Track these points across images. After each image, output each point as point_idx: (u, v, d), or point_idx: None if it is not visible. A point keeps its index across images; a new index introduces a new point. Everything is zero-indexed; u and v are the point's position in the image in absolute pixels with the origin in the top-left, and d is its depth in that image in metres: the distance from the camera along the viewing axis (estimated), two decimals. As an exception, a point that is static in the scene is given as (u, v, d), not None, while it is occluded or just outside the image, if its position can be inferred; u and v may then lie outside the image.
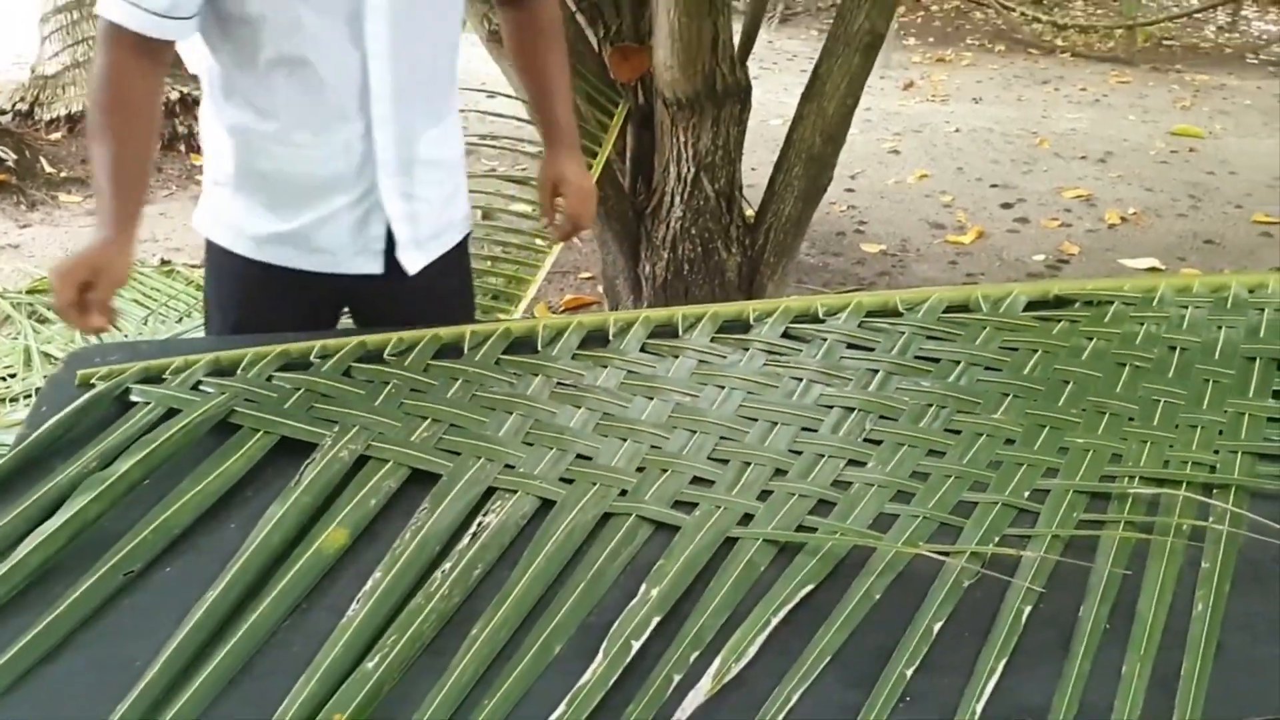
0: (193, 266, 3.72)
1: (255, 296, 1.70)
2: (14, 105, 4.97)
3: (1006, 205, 4.93)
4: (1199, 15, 10.68)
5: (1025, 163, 5.60)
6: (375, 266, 1.66)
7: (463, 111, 3.09)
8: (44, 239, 4.01)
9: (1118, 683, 1.00)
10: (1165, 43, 9.59)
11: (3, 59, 6.65)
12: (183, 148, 4.82)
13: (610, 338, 1.53)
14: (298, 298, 1.70)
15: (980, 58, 8.71)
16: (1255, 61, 8.95)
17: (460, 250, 1.79)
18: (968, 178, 5.34)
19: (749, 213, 3.20)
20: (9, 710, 0.94)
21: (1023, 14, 10.17)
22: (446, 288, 1.78)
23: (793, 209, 3.07)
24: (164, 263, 3.76)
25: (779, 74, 7.41)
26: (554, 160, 1.82)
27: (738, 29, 3.10)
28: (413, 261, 1.66)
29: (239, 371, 1.41)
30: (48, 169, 4.58)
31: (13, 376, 2.81)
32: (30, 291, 3.40)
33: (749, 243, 3.11)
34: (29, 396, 2.68)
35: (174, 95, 4.83)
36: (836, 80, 2.94)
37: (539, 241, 2.89)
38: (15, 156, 4.45)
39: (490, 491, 1.22)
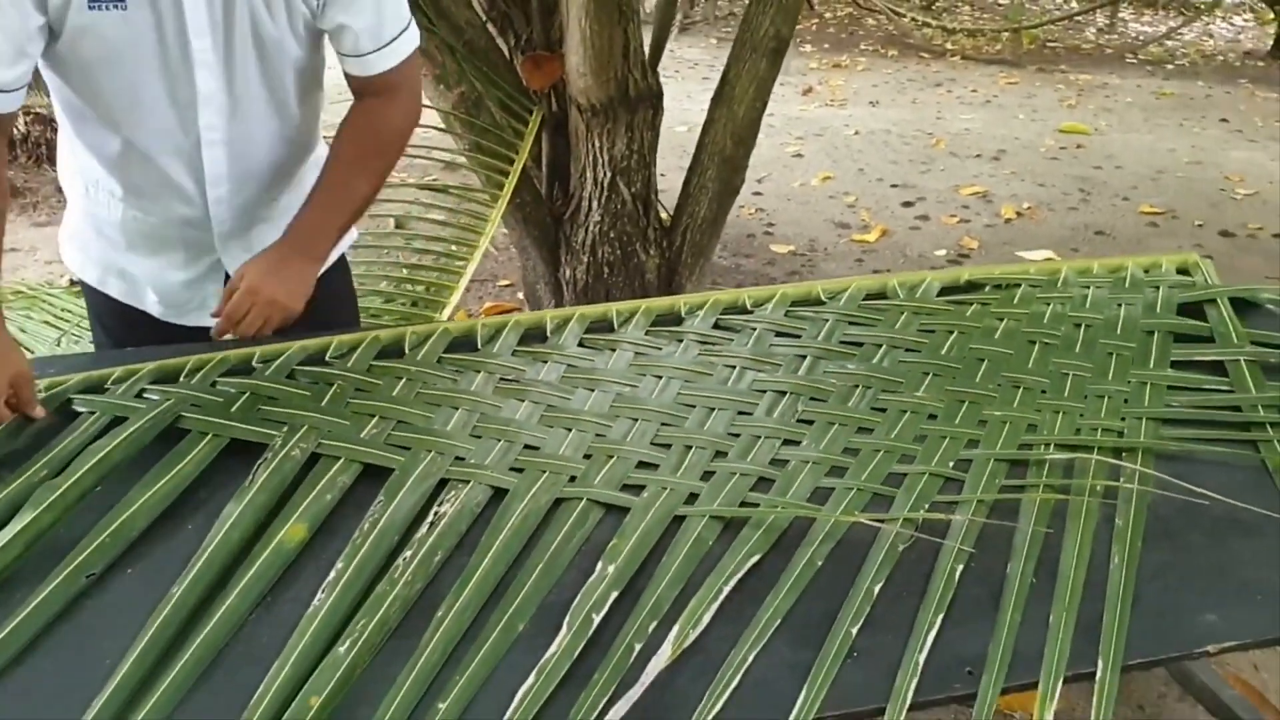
0: (103, 285, 3.66)
1: (110, 325, 1.69)
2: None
3: (907, 204, 5.08)
4: (1080, 18, 11.10)
5: (923, 163, 5.77)
6: (209, 321, 1.58)
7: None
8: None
9: (1045, 632, 1.07)
10: (1049, 45, 9.94)
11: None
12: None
13: (548, 334, 1.57)
14: (156, 331, 1.65)
15: (875, 62, 8.93)
16: (1134, 61, 9.34)
17: (333, 272, 1.72)
18: (869, 178, 5.49)
19: (665, 215, 3.27)
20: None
21: (913, 19, 10.47)
22: (324, 313, 1.63)
23: (707, 210, 3.14)
24: (73, 284, 3.68)
25: (681, 81, 7.51)
26: (260, 255, 1.54)
27: (648, 37, 3.16)
28: None
29: (182, 378, 1.42)
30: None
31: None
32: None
33: (666, 244, 3.17)
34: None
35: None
36: (745, 84, 3.03)
37: (455, 248, 2.92)
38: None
39: (443, 483, 1.26)
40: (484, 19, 3.13)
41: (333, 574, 1.11)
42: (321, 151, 1.66)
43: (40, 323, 3.04)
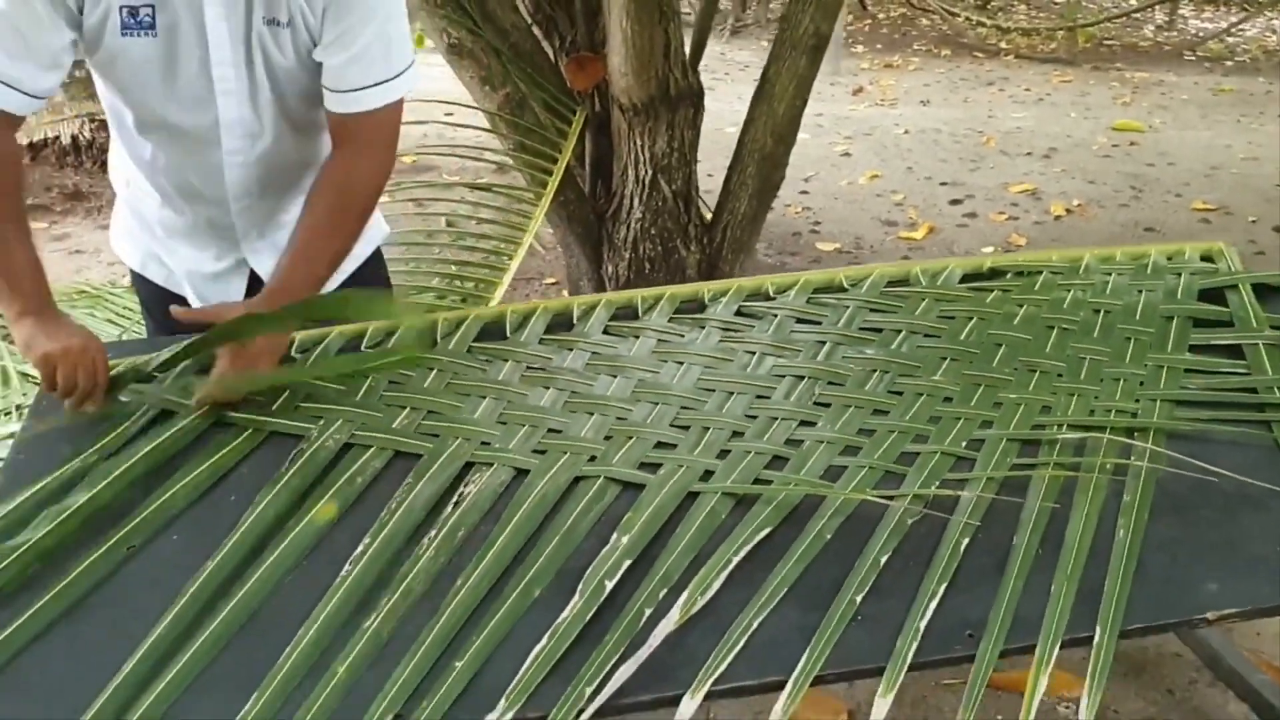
0: (162, 286, 3.79)
1: (154, 310, 1.78)
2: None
3: (955, 201, 5.07)
4: (1137, 16, 10.95)
5: (972, 161, 5.75)
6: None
7: (422, 124, 3.19)
8: (12, 266, 4.07)
9: (1047, 599, 1.10)
10: (1106, 43, 9.83)
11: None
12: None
13: (574, 321, 1.62)
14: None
15: (927, 62, 8.90)
16: (1192, 58, 9.20)
17: (367, 268, 1.81)
18: (917, 177, 5.48)
19: (706, 212, 3.31)
20: (33, 662, 1.02)
21: (967, 19, 10.40)
22: None
23: (748, 206, 3.18)
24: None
25: (732, 84, 7.54)
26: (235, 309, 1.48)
27: (690, 37, 3.21)
28: None
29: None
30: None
31: (-10, 396, 2.86)
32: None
33: (707, 240, 3.22)
34: (8, 413, 2.73)
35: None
36: (785, 82, 3.06)
37: (501, 245, 2.99)
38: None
39: (468, 466, 1.31)
40: (529, 22, 3.20)
41: (360, 548, 1.16)
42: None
43: (103, 320, 3.16)
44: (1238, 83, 7.96)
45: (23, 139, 4.88)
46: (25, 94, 1.40)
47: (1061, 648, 1.06)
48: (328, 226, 1.51)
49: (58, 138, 4.91)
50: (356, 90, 1.49)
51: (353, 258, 1.75)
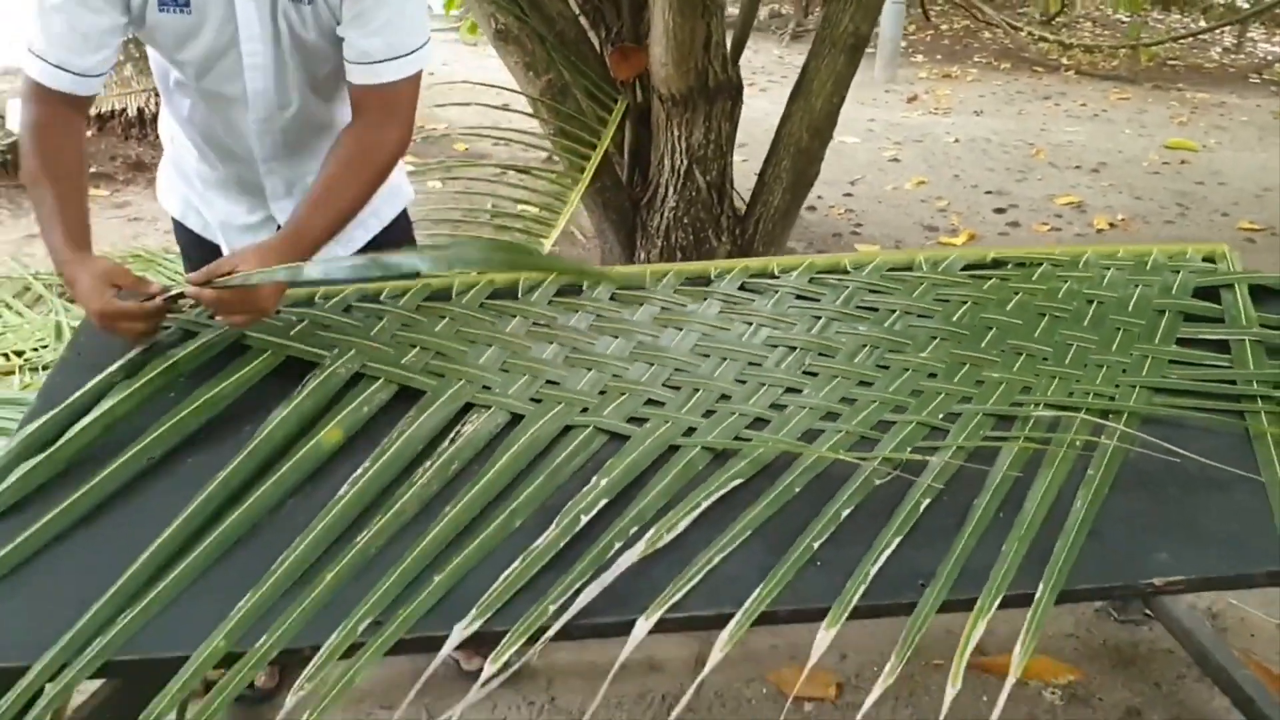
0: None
1: (192, 257, 1.89)
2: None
3: (999, 210, 5.09)
4: (1205, 38, 10.82)
5: (1020, 171, 5.76)
6: None
7: (467, 105, 3.28)
8: (73, 229, 4.24)
9: (997, 555, 1.16)
10: (1170, 63, 9.73)
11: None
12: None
13: (583, 288, 1.70)
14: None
15: (985, 74, 8.88)
16: (1258, 81, 9.09)
17: (395, 228, 1.91)
18: (964, 184, 5.50)
19: (739, 204, 3.37)
20: (55, 560, 1.12)
21: (1030, 34, 10.34)
22: None
23: (781, 200, 3.24)
24: (186, 250, 3.96)
25: (787, 86, 7.56)
26: (253, 248, 1.50)
27: (732, 33, 3.28)
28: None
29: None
30: (78, 164, 4.80)
31: (44, 347, 3.00)
32: (61, 274, 3.59)
33: (739, 232, 3.28)
34: (59, 364, 2.87)
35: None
36: (823, 78, 3.12)
37: (536, 226, 3.07)
38: (46, 153, 4.68)
39: (468, 407, 1.39)
40: (577, 12, 3.29)
41: (359, 470, 1.25)
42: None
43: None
44: (1301, 107, 7.86)
45: (92, 110, 5.07)
46: (75, 74, 1.51)
47: (1002, 606, 1.11)
48: (348, 177, 1.58)
49: (124, 110, 5.09)
50: (375, 63, 1.58)
51: (379, 218, 1.87)
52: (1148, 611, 2.13)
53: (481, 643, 1.05)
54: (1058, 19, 11.41)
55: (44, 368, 2.89)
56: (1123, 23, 11.72)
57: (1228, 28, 10.94)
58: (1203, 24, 11.31)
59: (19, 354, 2.98)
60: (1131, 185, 5.56)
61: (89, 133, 5.08)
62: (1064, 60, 9.53)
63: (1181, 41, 10.47)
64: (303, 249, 1.51)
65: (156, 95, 5.01)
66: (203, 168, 1.79)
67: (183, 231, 1.89)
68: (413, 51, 1.60)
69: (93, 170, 4.80)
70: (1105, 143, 6.46)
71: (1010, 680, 1.01)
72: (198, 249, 1.84)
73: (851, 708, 1.92)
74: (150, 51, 1.67)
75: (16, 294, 3.46)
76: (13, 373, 2.85)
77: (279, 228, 1.81)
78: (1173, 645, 2.06)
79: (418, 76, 1.63)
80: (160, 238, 4.19)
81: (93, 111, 5.05)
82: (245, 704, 1.87)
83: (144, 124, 5.04)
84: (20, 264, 3.71)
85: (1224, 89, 8.54)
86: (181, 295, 1.45)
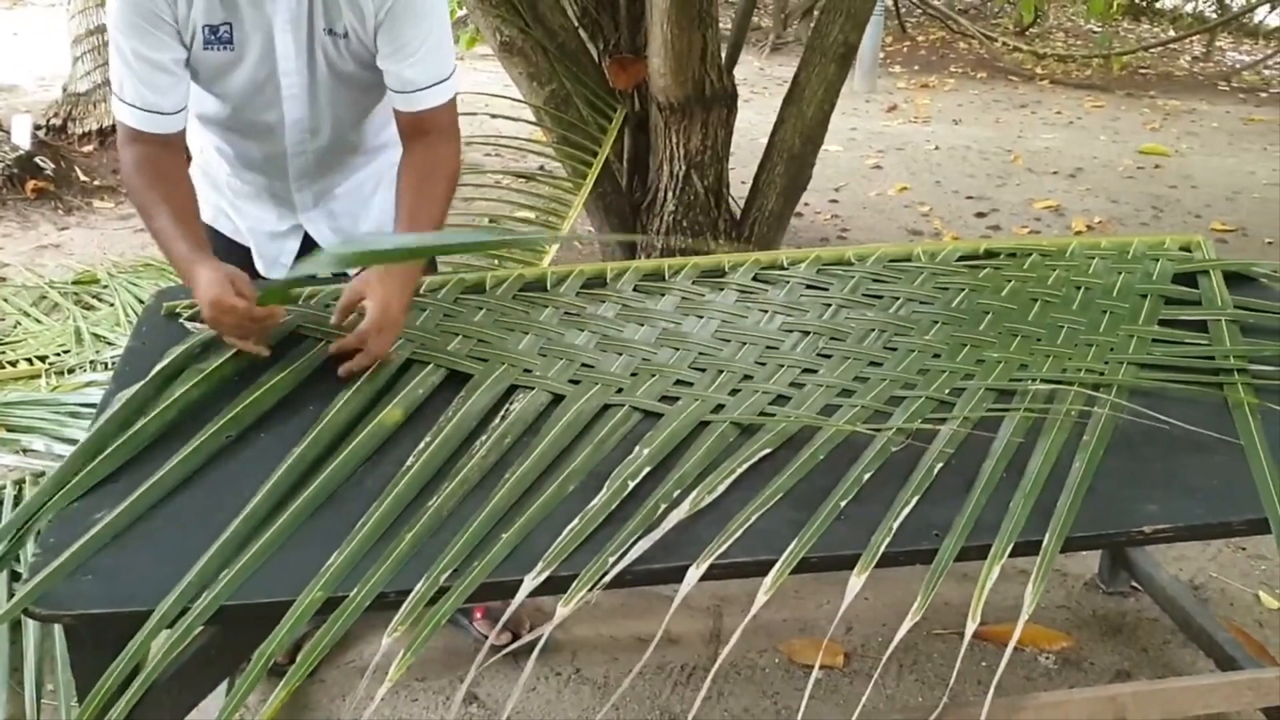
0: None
1: (224, 259, 1.97)
2: (48, 120, 5.30)
3: (980, 215, 5.24)
4: (1175, 47, 11.07)
5: (1000, 177, 5.92)
6: (279, 274, 1.91)
7: (469, 114, 3.39)
8: (82, 239, 4.32)
9: (1005, 509, 1.29)
10: (1141, 71, 9.95)
11: (30, 81, 7.02)
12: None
13: (608, 281, 1.82)
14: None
15: (963, 84, 9.06)
16: (1227, 88, 9.30)
17: None
18: (945, 190, 5.65)
19: (735, 209, 3.51)
20: (157, 524, 1.23)
21: (1004, 44, 10.55)
22: None
23: (775, 204, 3.38)
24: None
25: (769, 97, 7.73)
26: (372, 274, 1.58)
27: (726, 44, 3.41)
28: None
29: (301, 300, 1.71)
30: (82, 177, 4.90)
31: (66, 352, 3.10)
32: (75, 282, 3.70)
33: (735, 235, 3.41)
34: (83, 369, 2.97)
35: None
36: (814, 87, 3.26)
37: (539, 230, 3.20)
38: (54, 166, 4.77)
39: (512, 389, 1.52)
40: (577, 24, 3.42)
41: (422, 445, 1.37)
42: (377, 140, 1.92)
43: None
44: (1270, 113, 8.06)
45: (93, 124, 5.17)
46: (163, 114, 1.63)
47: (1013, 554, 1.24)
48: (422, 203, 1.69)
49: (124, 124, 5.17)
50: (419, 91, 1.71)
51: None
52: (1135, 584, 2.27)
53: (544, 591, 1.17)
54: (1031, 30, 11.64)
55: (68, 371, 3.00)
56: (1094, 33, 11.96)
57: (1197, 37, 11.20)
58: (1172, 33, 11.57)
59: (42, 359, 3.09)
60: (1107, 189, 5.72)
61: (90, 147, 5.17)
62: (1039, 70, 9.73)
63: (1152, 50, 10.71)
64: (410, 271, 1.60)
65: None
66: (234, 181, 1.89)
67: (215, 235, 1.95)
68: (450, 75, 1.73)
69: (98, 183, 4.89)
70: (1081, 149, 6.63)
71: (1026, 608, 1.14)
72: (229, 253, 1.92)
73: (859, 675, 2.04)
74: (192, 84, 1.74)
75: (34, 302, 3.56)
76: (39, 376, 2.95)
77: (305, 235, 1.93)
78: (1158, 614, 2.19)
79: (455, 97, 1.76)
80: (167, 248, 4.29)
81: (96, 126, 5.17)
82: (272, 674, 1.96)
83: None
84: (35, 274, 3.80)
85: (1194, 96, 8.75)
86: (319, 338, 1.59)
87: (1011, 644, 1.19)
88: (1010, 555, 1.24)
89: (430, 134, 1.74)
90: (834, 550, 1.23)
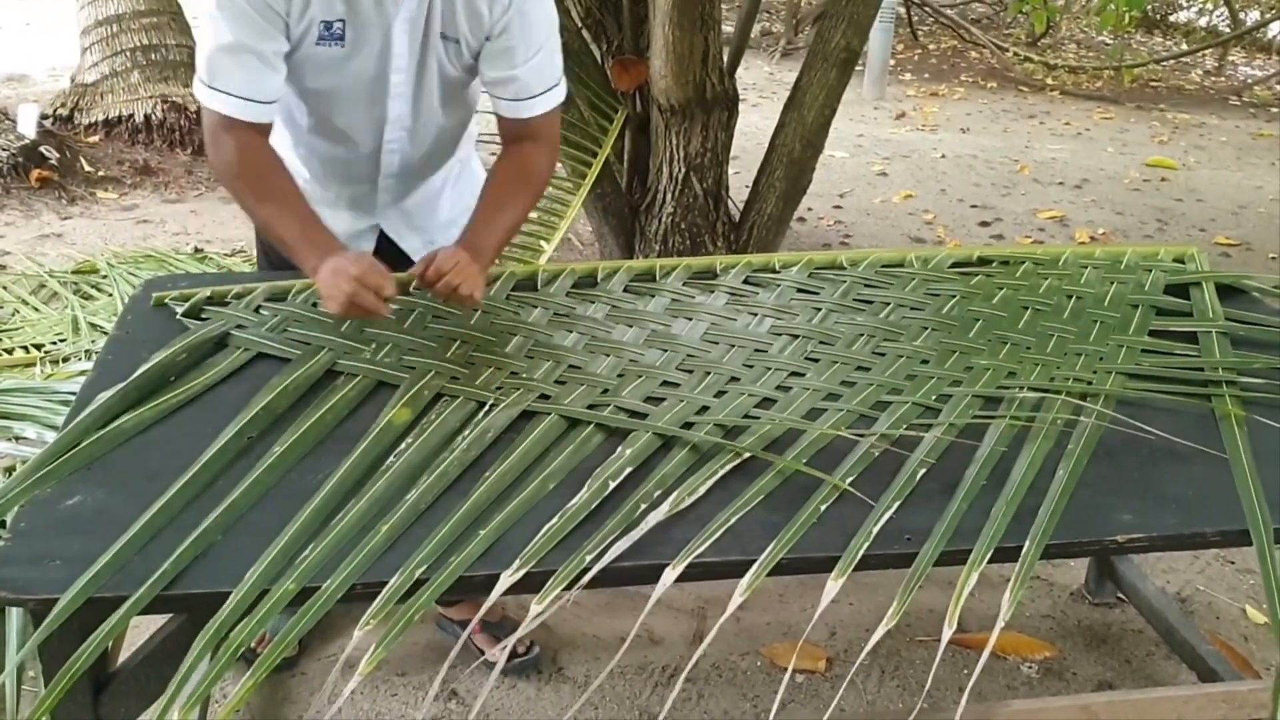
0: (226, 255, 4.03)
1: (274, 258, 1.96)
2: (55, 110, 5.31)
3: (984, 224, 5.24)
4: (1188, 60, 11.05)
5: (1005, 187, 5.91)
6: None
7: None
8: (84, 229, 4.33)
9: (987, 516, 1.28)
10: (1152, 84, 9.94)
11: (41, 71, 7.04)
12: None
13: (599, 281, 1.82)
14: None
15: (972, 93, 9.05)
16: (1238, 103, 9.29)
17: None
18: (950, 199, 5.65)
19: (734, 212, 3.50)
20: (112, 522, 1.23)
21: (1016, 54, 10.54)
22: None
23: (774, 208, 3.37)
24: (197, 250, 4.07)
25: (777, 102, 7.66)
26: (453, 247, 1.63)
27: (729, 48, 3.41)
28: (416, 252, 1.93)
29: (289, 298, 1.71)
30: (87, 168, 4.90)
31: (63, 340, 3.11)
32: (75, 272, 3.71)
33: (734, 238, 3.41)
34: (78, 357, 2.98)
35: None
36: (815, 91, 3.26)
37: (541, 230, 3.20)
38: (58, 156, 4.78)
39: (500, 389, 1.51)
40: (579, 25, 3.42)
41: (403, 444, 1.37)
42: (460, 144, 1.93)
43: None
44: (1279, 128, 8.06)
45: (99, 115, 5.18)
46: (260, 103, 1.60)
47: (992, 560, 1.24)
48: (508, 197, 1.71)
49: (131, 116, 5.18)
50: (526, 99, 1.71)
51: (447, 237, 1.96)
52: (1120, 595, 2.26)
53: (521, 590, 1.17)
54: (1043, 40, 11.62)
55: (63, 360, 3.00)
56: (1107, 45, 11.95)
57: (1209, 51, 11.18)
58: (1185, 47, 11.55)
59: (38, 347, 3.10)
60: (1112, 201, 5.72)
61: (96, 137, 5.18)
62: (1049, 80, 9.72)
63: (1164, 63, 10.70)
64: (484, 261, 1.63)
65: (163, 101, 5.15)
66: (314, 189, 1.86)
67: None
68: (557, 84, 1.73)
69: (101, 174, 4.90)
70: (1088, 160, 6.63)
71: (1003, 616, 1.13)
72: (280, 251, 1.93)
73: (841, 680, 2.04)
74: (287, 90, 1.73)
75: (33, 290, 3.57)
76: (34, 364, 2.96)
77: (380, 234, 1.93)
78: (1143, 625, 2.18)
79: (559, 106, 1.76)
80: (169, 239, 4.30)
81: (103, 116, 5.18)
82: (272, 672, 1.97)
83: (150, 129, 5.14)
84: (36, 263, 3.81)
85: (1204, 110, 8.74)
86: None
87: (986, 652, 1.19)
88: (989, 562, 1.24)
89: (527, 143, 1.75)
90: (813, 553, 1.23)
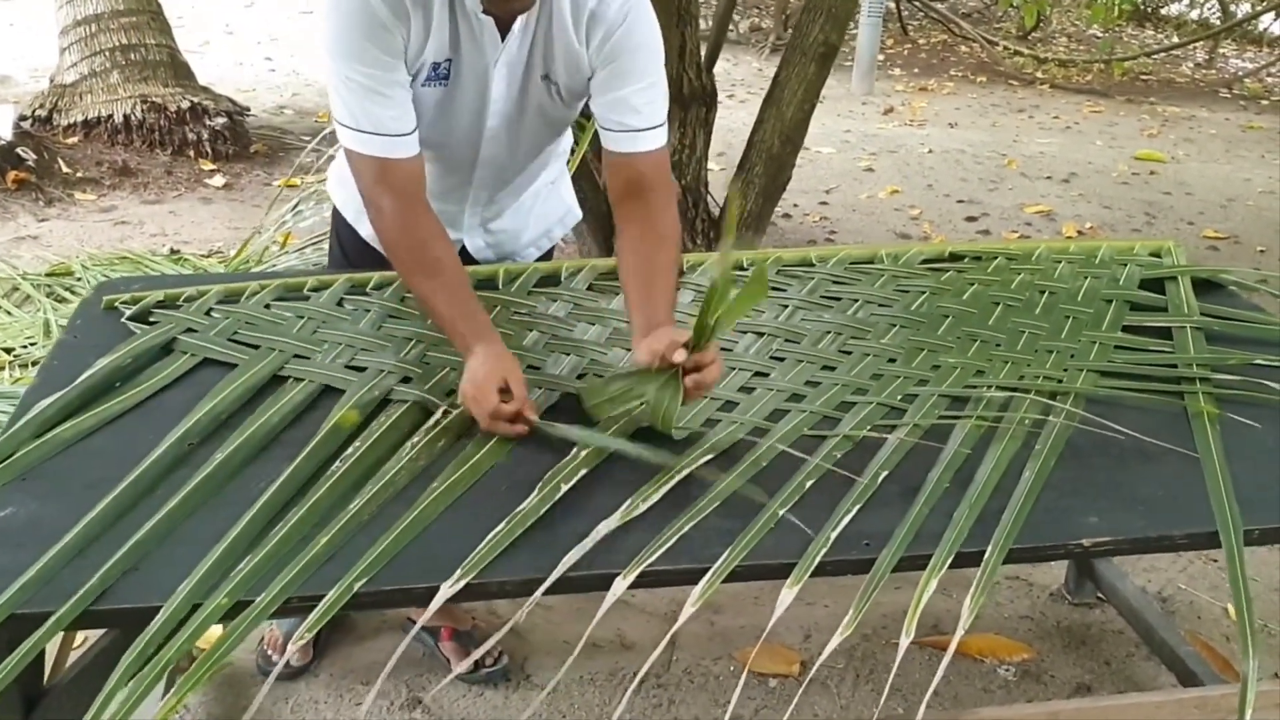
0: (202, 256, 3.99)
1: (349, 251, 1.91)
2: (34, 112, 5.25)
3: (971, 219, 5.20)
4: (1177, 53, 11.02)
5: (992, 181, 5.88)
6: None
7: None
8: (60, 231, 4.28)
9: (949, 520, 1.25)
10: (1143, 77, 9.92)
11: (23, 72, 6.99)
12: (191, 154, 5.10)
13: (562, 279, 1.78)
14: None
15: (961, 87, 9.02)
16: (1228, 95, 9.28)
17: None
18: (936, 194, 5.61)
19: (715, 209, 3.47)
20: (43, 535, 1.19)
21: (1006, 48, 10.52)
22: None
23: (754, 205, 3.34)
24: (174, 252, 4.03)
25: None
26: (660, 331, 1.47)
27: (706, 45, 3.37)
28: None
29: (242, 299, 1.67)
30: (65, 169, 4.85)
31: (33, 344, 3.06)
32: (49, 274, 3.66)
33: (714, 235, 3.37)
34: (49, 362, 2.93)
35: (184, 105, 5.12)
36: (794, 87, 3.22)
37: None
38: (35, 157, 4.72)
39: (453, 391, 1.47)
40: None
41: (350, 449, 1.33)
42: (548, 166, 1.88)
43: (141, 283, 3.34)
44: (1269, 120, 8.03)
45: (78, 116, 5.14)
46: (407, 135, 1.53)
47: (953, 565, 1.20)
48: (657, 284, 1.55)
49: (111, 116, 5.13)
50: (642, 130, 1.60)
51: (550, 239, 1.97)
52: (1100, 595, 2.23)
53: (464, 598, 1.13)
54: (1033, 34, 11.60)
55: (33, 364, 2.96)
56: (1098, 38, 11.92)
57: (1200, 43, 11.16)
58: (1175, 40, 11.53)
59: (8, 350, 3.05)
60: (1101, 195, 5.69)
61: (75, 139, 5.13)
62: (1039, 74, 9.70)
63: (1155, 56, 10.68)
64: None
65: (143, 102, 5.10)
66: None
67: (350, 232, 1.89)
68: (664, 124, 1.63)
69: (79, 175, 4.85)
70: (1076, 154, 6.60)
71: (963, 624, 1.10)
72: (359, 251, 1.87)
73: (814, 684, 2.00)
74: None
75: (5, 293, 3.52)
76: (2, 368, 2.92)
77: (463, 248, 1.86)
78: (1123, 626, 2.15)
79: (667, 148, 1.66)
80: (146, 240, 4.25)
81: (82, 117, 5.13)
82: (281, 679, 1.92)
83: (129, 130, 5.09)
84: (9, 265, 3.76)
85: (1195, 103, 8.72)
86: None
87: (947, 657, 1.17)
88: (950, 567, 1.21)
89: (647, 195, 1.63)
90: (769, 560, 1.19)
